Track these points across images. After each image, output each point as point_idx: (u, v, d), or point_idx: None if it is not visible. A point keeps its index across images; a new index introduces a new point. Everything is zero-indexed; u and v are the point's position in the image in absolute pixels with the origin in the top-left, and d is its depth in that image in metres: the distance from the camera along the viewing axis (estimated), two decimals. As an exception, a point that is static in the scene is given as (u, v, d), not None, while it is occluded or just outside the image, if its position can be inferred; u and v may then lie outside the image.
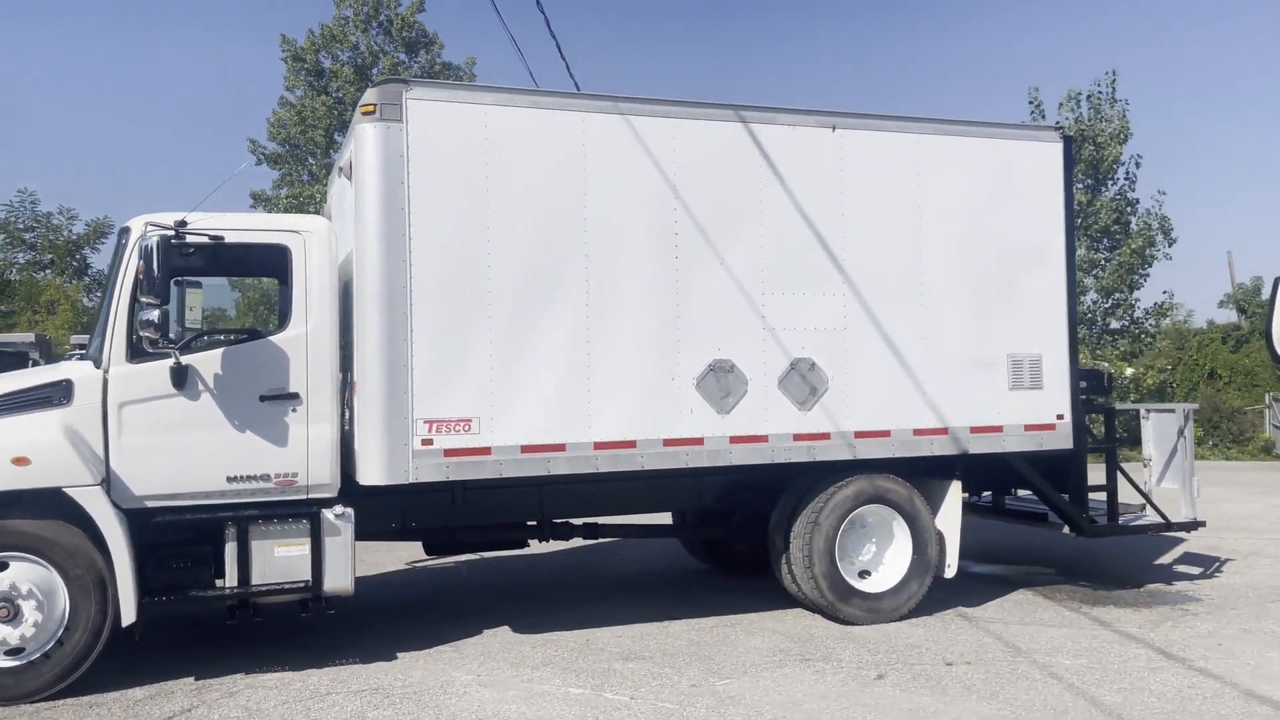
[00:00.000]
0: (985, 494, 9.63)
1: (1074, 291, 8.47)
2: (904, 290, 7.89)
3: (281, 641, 7.30)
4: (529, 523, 8.08)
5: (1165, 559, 10.35)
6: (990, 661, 6.69)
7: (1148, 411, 9.63)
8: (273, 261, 6.77)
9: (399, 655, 6.99)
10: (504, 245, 6.86)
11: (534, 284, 6.93)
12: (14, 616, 5.97)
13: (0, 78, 51.45)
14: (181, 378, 6.36)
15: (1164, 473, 9.28)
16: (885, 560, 7.99)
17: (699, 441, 7.31)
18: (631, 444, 7.14)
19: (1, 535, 5.97)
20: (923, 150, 7.98)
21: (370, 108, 6.62)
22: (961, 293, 8.07)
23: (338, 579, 6.67)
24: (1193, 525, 9.06)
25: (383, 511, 7.32)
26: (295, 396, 6.61)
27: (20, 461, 5.97)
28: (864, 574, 7.97)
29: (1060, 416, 8.32)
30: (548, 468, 6.96)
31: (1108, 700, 5.82)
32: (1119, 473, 8.95)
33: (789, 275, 7.59)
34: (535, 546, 9.45)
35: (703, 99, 7.50)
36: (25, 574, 6.02)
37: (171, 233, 6.38)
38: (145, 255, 6.14)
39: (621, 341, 7.13)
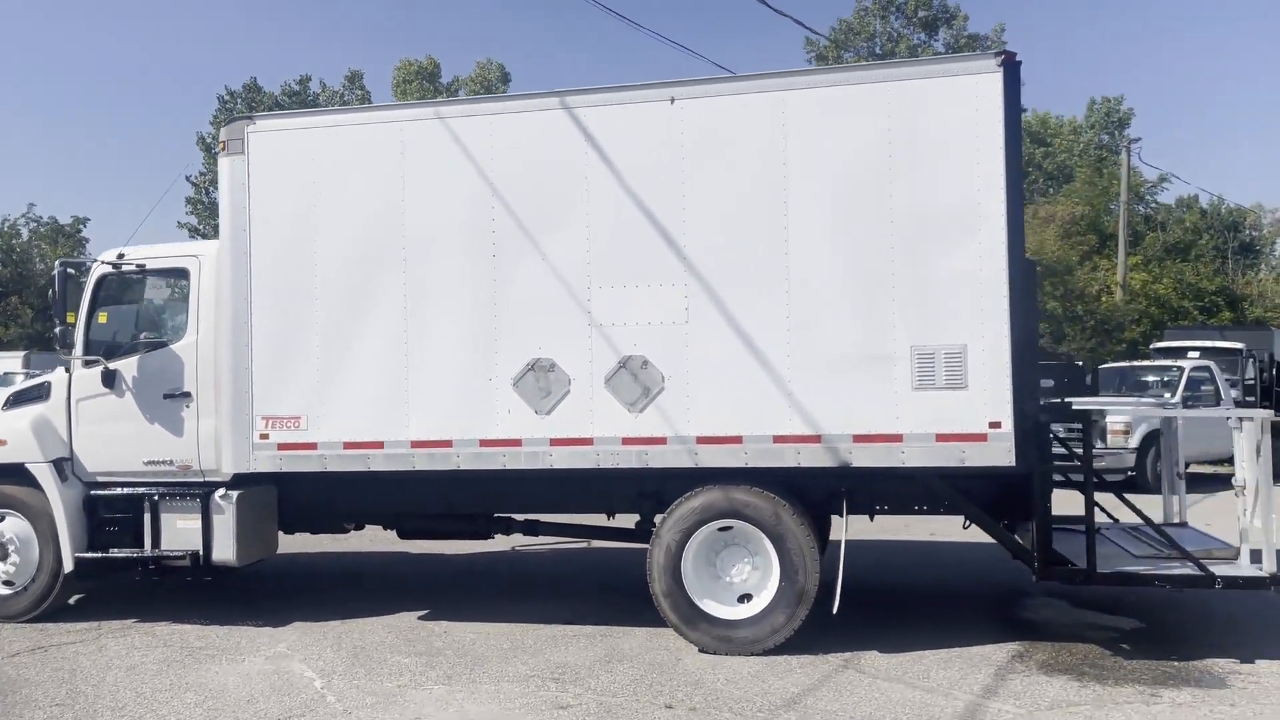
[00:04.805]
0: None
1: (1020, 262, 6.51)
2: (763, 276, 6.81)
3: (235, 602, 8.62)
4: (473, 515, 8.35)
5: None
6: (713, 711, 5.66)
7: (1239, 420, 6.92)
8: (181, 280, 8.10)
9: (293, 623, 7.92)
10: (328, 256, 7.43)
11: (356, 290, 7.38)
12: (5, 557, 8.05)
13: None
14: (110, 379, 7.96)
15: (1258, 503, 6.65)
16: (768, 585, 6.96)
17: (517, 443, 7.14)
18: (447, 443, 7.24)
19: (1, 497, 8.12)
20: (790, 110, 6.80)
21: (222, 145, 7.63)
22: (844, 274, 6.72)
23: (223, 551, 7.78)
24: (1263, 583, 6.37)
25: (306, 498, 8.23)
26: (188, 395, 7.87)
27: (1, 443, 8.05)
28: (745, 598, 7.02)
29: (995, 424, 6.48)
30: (368, 464, 7.36)
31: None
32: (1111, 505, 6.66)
33: (620, 267, 7.02)
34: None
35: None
36: (13, 526, 8.08)
37: (110, 265, 8.07)
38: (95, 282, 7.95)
39: (438, 342, 7.26)
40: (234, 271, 7.58)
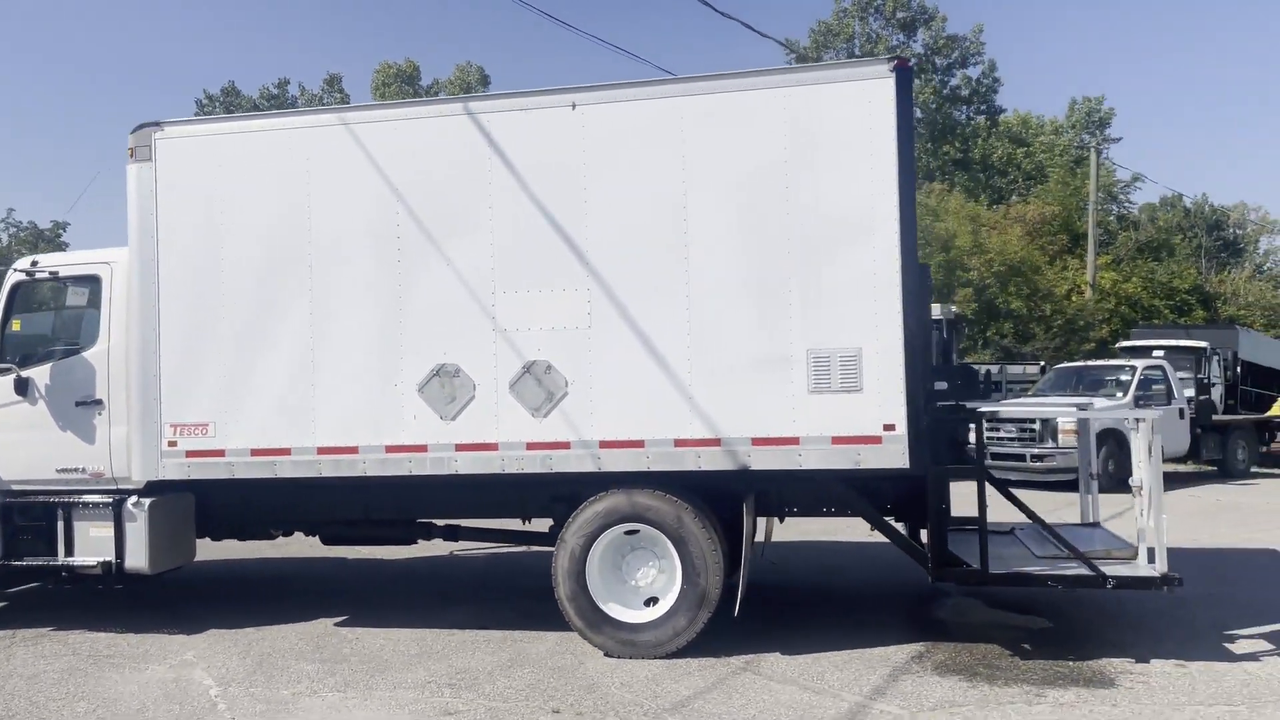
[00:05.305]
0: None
1: (914, 265, 6.54)
2: (664, 280, 6.83)
3: (156, 609, 8.60)
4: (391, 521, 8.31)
5: (1252, 630, 7.31)
6: (598, 716, 5.68)
7: (1135, 420, 6.97)
8: (93, 287, 8.07)
9: (208, 630, 7.90)
10: (235, 262, 7.42)
11: (262, 296, 7.37)
12: (-78, 566, 8.04)
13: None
14: (23, 387, 7.95)
15: (1151, 503, 6.70)
16: (672, 588, 6.97)
17: (422, 448, 7.14)
18: (354, 449, 7.23)
19: (-86, 505, 8.09)
20: (689, 116, 6.82)
21: (130, 151, 7.62)
22: (743, 278, 6.74)
23: (135, 559, 7.76)
24: (1153, 582, 6.42)
25: (224, 505, 8.20)
26: (100, 402, 7.85)
27: (-84, 453, 8.03)
28: (651, 601, 7.03)
29: (889, 427, 6.52)
30: (275, 470, 7.35)
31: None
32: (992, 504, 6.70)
33: (524, 272, 7.03)
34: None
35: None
36: (-72, 535, 8.06)
37: (24, 273, 8.06)
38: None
39: (344, 348, 7.25)
40: (142, 278, 7.57)
